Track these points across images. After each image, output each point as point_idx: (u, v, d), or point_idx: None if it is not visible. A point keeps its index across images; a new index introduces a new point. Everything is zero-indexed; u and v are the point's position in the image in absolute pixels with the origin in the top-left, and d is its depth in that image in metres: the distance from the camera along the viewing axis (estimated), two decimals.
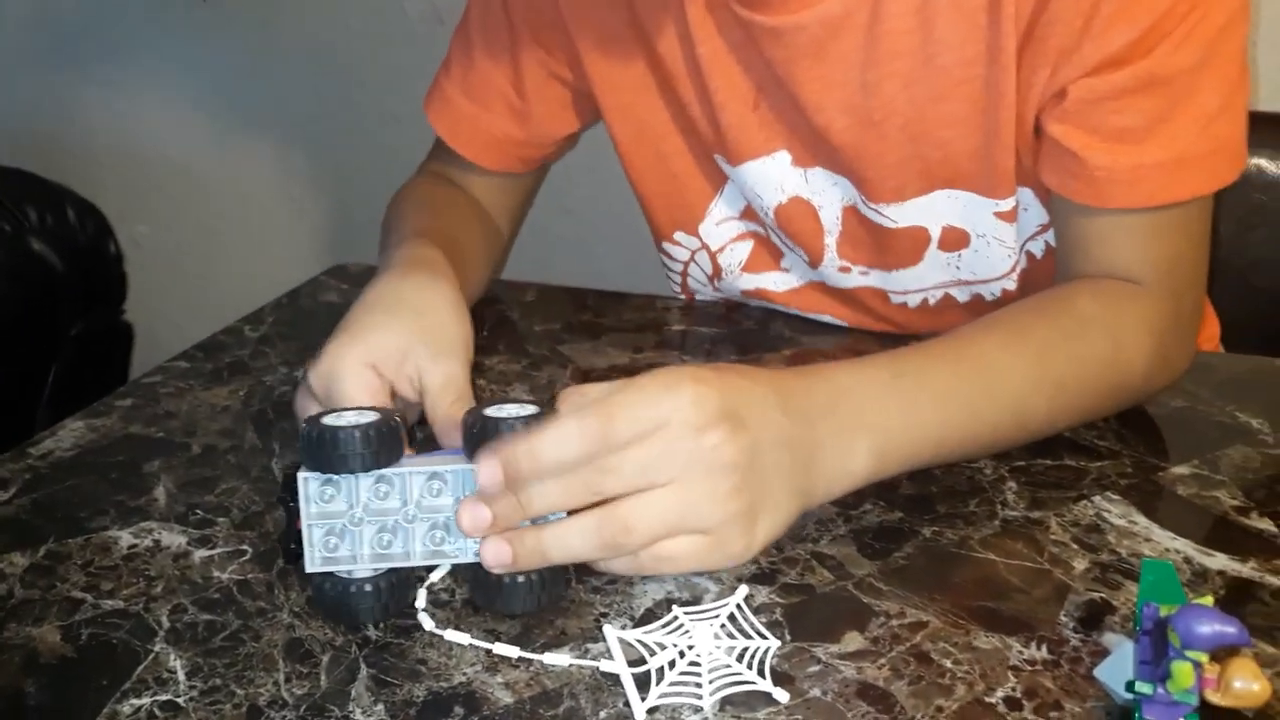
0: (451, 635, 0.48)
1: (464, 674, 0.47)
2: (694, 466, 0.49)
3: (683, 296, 0.90)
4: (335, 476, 0.48)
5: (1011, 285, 0.77)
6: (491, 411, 0.50)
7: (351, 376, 0.57)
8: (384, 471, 0.49)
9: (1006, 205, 0.72)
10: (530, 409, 0.50)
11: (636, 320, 0.83)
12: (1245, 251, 1.05)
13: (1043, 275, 0.76)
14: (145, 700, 0.45)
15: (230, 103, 1.60)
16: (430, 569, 0.52)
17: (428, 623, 0.49)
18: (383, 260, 0.71)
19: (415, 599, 0.51)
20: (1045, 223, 0.74)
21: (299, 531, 0.49)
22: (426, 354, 0.59)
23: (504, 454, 0.48)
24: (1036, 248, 0.76)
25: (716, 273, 0.86)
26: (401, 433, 0.50)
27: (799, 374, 0.56)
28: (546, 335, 0.80)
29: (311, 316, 0.85)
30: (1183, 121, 0.63)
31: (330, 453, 0.48)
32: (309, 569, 0.49)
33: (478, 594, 0.50)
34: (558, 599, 0.50)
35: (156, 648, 0.48)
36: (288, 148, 1.60)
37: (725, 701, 0.45)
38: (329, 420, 0.49)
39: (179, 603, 0.51)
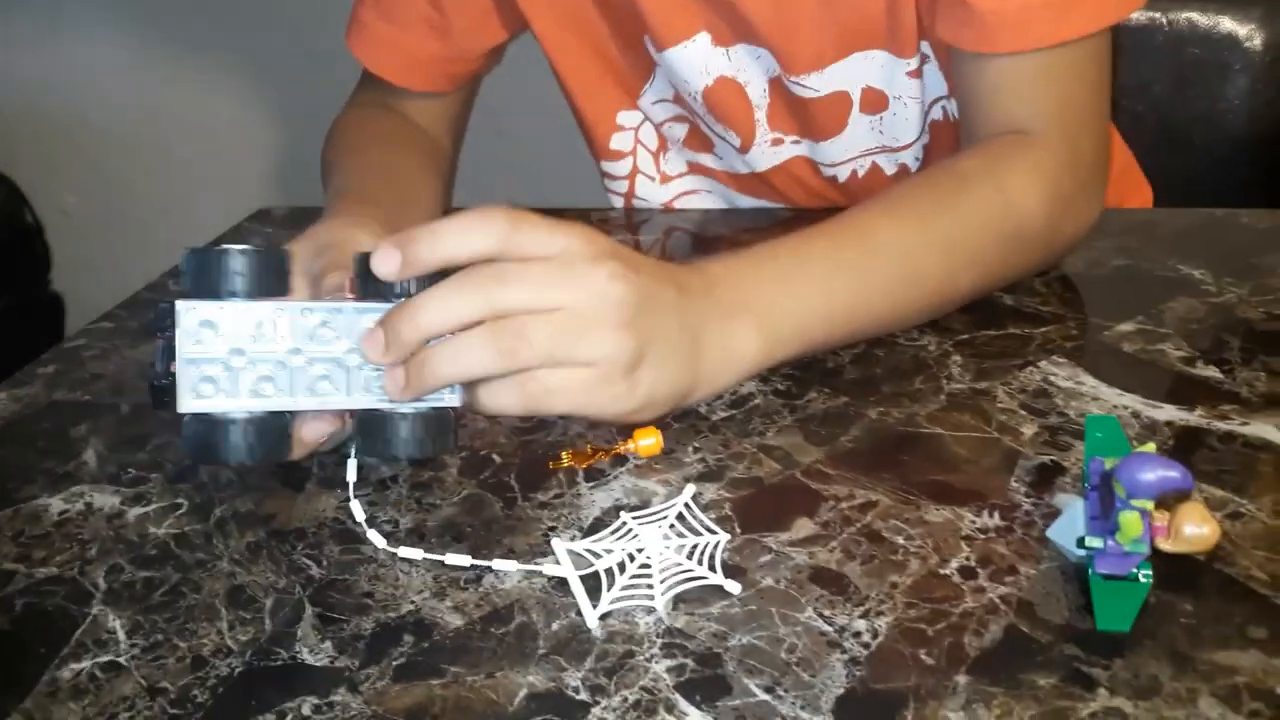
0: (405, 552, 0.48)
1: (411, 602, 0.46)
2: (590, 293, 0.48)
3: (622, 207, 0.89)
4: (215, 313, 0.46)
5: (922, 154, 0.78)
6: (210, 249, 0.48)
7: (306, 242, 0.57)
8: (266, 305, 0.47)
9: (914, 63, 0.73)
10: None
11: None
12: (1183, 108, 1.04)
13: (947, 150, 0.76)
14: (85, 664, 0.44)
15: (146, 60, 1.54)
16: (340, 470, 0.51)
17: (379, 541, 0.48)
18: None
19: (353, 513, 0.50)
20: (944, 93, 0.75)
21: (171, 373, 0.47)
22: (373, 237, 0.57)
23: (401, 239, 0.47)
24: (936, 114, 0.77)
25: (662, 144, 0.86)
26: (286, 271, 0.48)
27: (682, 265, 0.56)
28: None
29: None
30: None
31: (211, 273, 0.46)
32: (180, 409, 0.47)
33: (364, 443, 0.49)
34: (446, 445, 0.49)
35: (94, 610, 0.47)
36: (212, 101, 1.55)
37: (678, 599, 0.44)
38: (211, 247, 0.47)
39: (115, 563, 0.50)
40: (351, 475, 0.51)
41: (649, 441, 0.52)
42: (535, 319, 0.47)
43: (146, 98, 1.57)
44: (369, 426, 0.49)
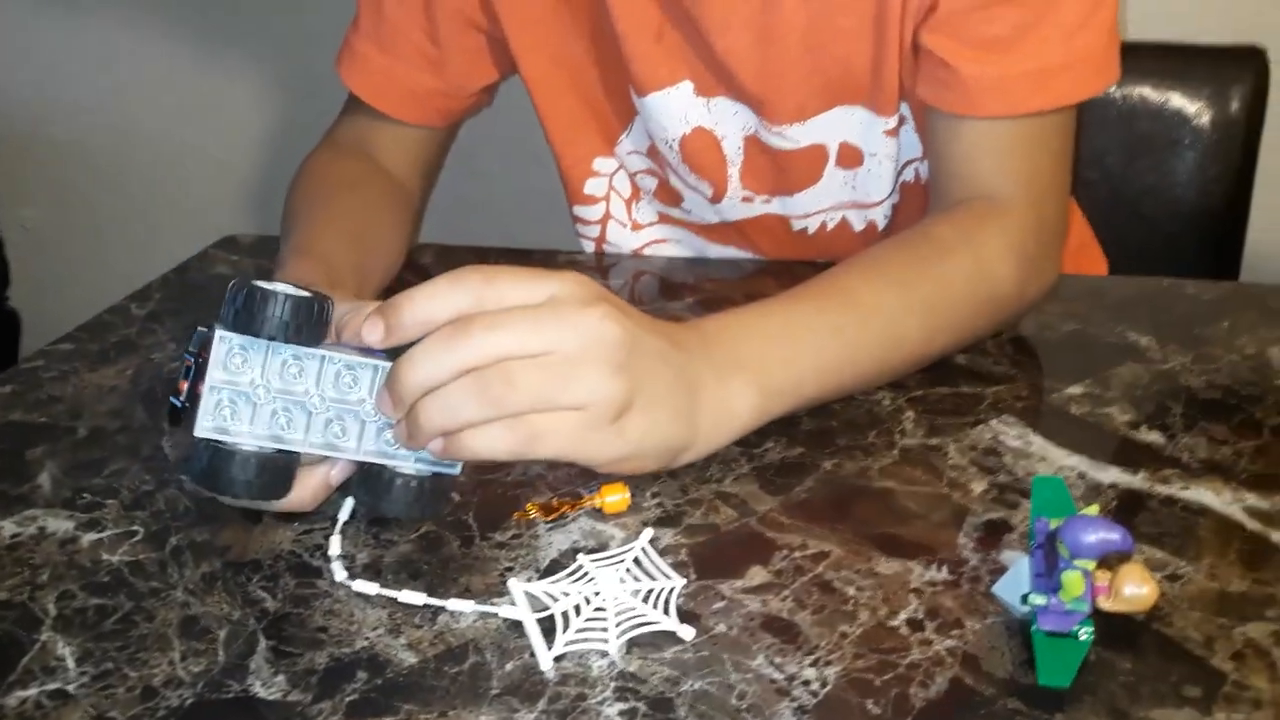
0: (359, 586, 0.48)
1: (366, 638, 0.46)
2: (579, 334, 0.48)
3: (590, 244, 0.90)
4: (250, 345, 0.47)
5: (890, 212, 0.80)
6: (264, 284, 0.48)
7: None
8: (300, 350, 0.48)
9: (893, 123, 0.75)
10: (305, 292, 0.48)
11: None
12: (1134, 180, 1.07)
13: (915, 210, 0.78)
14: (32, 691, 0.44)
15: (110, 76, 1.54)
16: (337, 512, 0.52)
17: (339, 573, 0.49)
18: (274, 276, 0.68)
19: (329, 548, 0.50)
20: (918, 155, 0.77)
21: (193, 395, 0.47)
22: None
23: (384, 308, 0.48)
24: (908, 175, 0.79)
25: (635, 193, 0.87)
26: (329, 319, 0.49)
27: (669, 321, 0.56)
28: None
29: (201, 290, 0.82)
30: (1046, 31, 0.66)
31: (253, 313, 0.46)
32: (197, 433, 0.47)
33: (361, 494, 0.50)
34: (436, 511, 0.51)
35: (43, 637, 0.47)
36: (180, 123, 1.55)
37: (632, 644, 0.45)
38: (261, 284, 0.47)
39: (66, 589, 0.49)
40: (344, 515, 0.52)
41: (616, 498, 0.52)
42: (522, 364, 0.47)
43: (113, 115, 1.56)
44: (369, 480, 0.50)
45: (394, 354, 0.49)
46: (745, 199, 0.81)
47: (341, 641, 0.46)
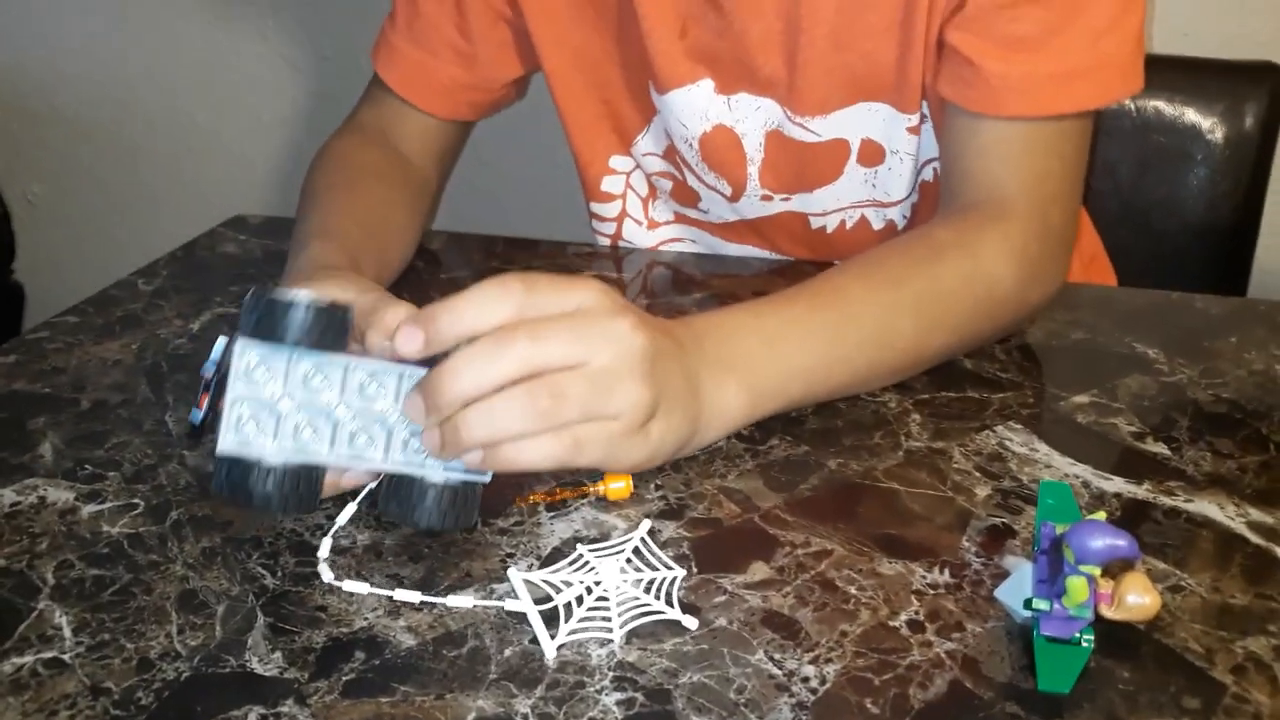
0: (350, 585, 0.47)
1: (365, 619, 0.46)
2: (616, 345, 0.48)
3: (606, 241, 0.90)
4: (271, 356, 0.46)
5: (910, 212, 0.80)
6: (278, 295, 0.47)
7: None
8: (324, 357, 0.47)
9: (915, 120, 0.75)
10: (324, 299, 0.47)
11: (546, 267, 0.82)
12: (1145, 193, 1.07)
13: (934, 210, 0.78)
14: (28, 658, 0.43)
15: (121, 52, 1.54)
16: (339, 510, 0.51)
17: (326, 574, 0.48)
18: (291, 254, 0.68)
19: (319, 548, 0.49)
20: (937, 154, 0.77)
21: (214, 409, 0.47)
22: (358, 292, 0.56)
23: (423, 318, 0.47)
24: (928, 175, 0.79)
25: (653, 193, 0.88)
26: (350, 327, 0.48)
27: (661, 323, 0.55)
28: (453, 284, 0.79)
29: (208, 269, 0.82)
30: (1073, 34, 0.66)
31: (275, 319, 0.45)
32: (221, 448, 0.46)
33: (391, 506, 0.49)
34: (469, 521, 0.49)
35: (40, 605, 0.46)
36: (188, 100, 1.54)
37: (631, 634, 0.45)
38: (279, 293, 0.47)
39: (65, 559, 0.49)
40: (342, 519, 0.51)
41: (619, 485, 0.52)
42: (570, 376, 0.47)
43: (122, 90, 1.56)
44: (398, 490, 0.49)
45: (422, 361, 0.48)
46: (764, 197, 0.81)
47: (340, 621, 0.45)
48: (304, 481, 0.47)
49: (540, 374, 0.47)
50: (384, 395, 0.48)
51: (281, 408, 0.47)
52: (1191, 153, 1.05)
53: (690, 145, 0.80)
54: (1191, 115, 1.05)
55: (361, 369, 0.48)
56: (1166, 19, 1.18)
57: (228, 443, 0.46)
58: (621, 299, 0.50)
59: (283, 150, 1.50)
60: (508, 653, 0.44)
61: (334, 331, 0.47)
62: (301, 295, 0.47)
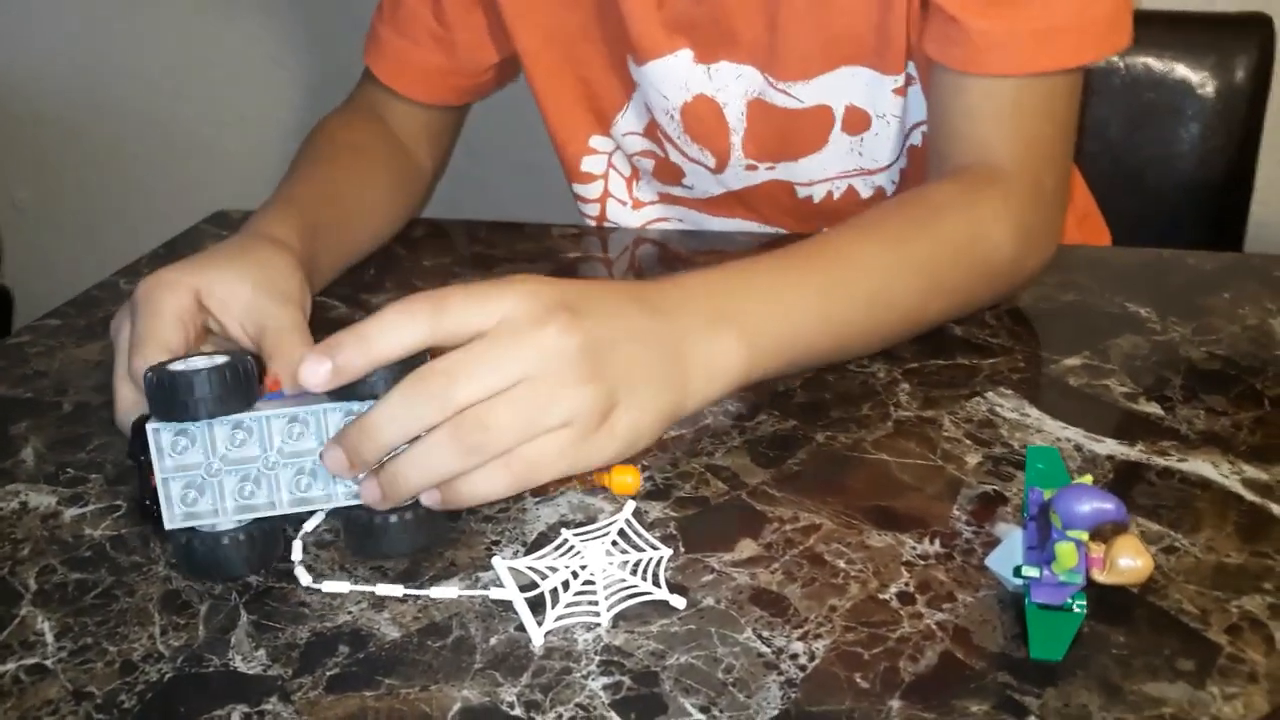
0: (329, 586, 0.46)
1: (349, 612, 0.45)
2: (542, 355, 0.46)
3: (591, 223, 0.89)
4: (187, 430, 0.45)
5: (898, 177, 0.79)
6: (178, 365, 0.46)
7: (170, 295, 0.55)
8: (240, 417, 0.46)
9: (900, 81, 0.74)
10: (221, 358, 0.46)
11: (530, 250, 0.81)
12: (1137, 150, 1.06)
13: (922, 176, 0.77)
14: (10, 665, 0.43)
15: (103, 54, 1.53)
16: (304, 519, 0.50)
17: (304, 577, 0.47)
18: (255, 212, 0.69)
19: (291, 552, 0.48)
20: (925, 118, 0.76)
21: (154, 488, 0.46)
22: (259, 298, 0.57)
23: (329, 347, 0.45)
24: (915, 139, 0.78)
25: (635, 173, 0.87)
26: (254, 376, 0.47)
27: (651, 281, 0.54)
28: (437, 270, 0.78)
29: None
30: None
31: (179, 399, 0.44)
32: (168, 525, 0.46)
33: (351, 541, 0.48)
34: (441, 534, 0.49)
35: (23, 611, 0.46)
36: (172, 101, 1.53)
37: (619, 617, 0.44)
38: (176, 365, 0.46)
39: (47, 564, 0.49)
40: (310, 524, 0.50)
41: (626, 479, 0.51)
42: (493, 405, 0.45)
43: (107, 95, 1.55)
44: (357, 527, 0.48)
45: (335, 391, 0.46)
46: (749, 166, 0.81)
47: (323, 616, 0.45)
48: (263, 537, 0.47)
49: (465, 409, 0.45)
50: (309, 435, 0.47)
51: (214, 475, 0.46)
52: (1182, 109, 1.03)
53: (671, 117, 0.80)
54: (1181, 70, 1.03)
55: (281, 416, 0.46)
56: None
57: (174, 519, 0.46)
58: (551, 293, 0.47)
59: (269, 146, 1.49)
60: (493, 641, 0.43)
61: (240, 388, 0.45)
62: (197, 362, 0.45)
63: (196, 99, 1.52)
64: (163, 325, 0.54)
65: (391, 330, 0.45)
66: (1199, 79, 1.03)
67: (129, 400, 0.54)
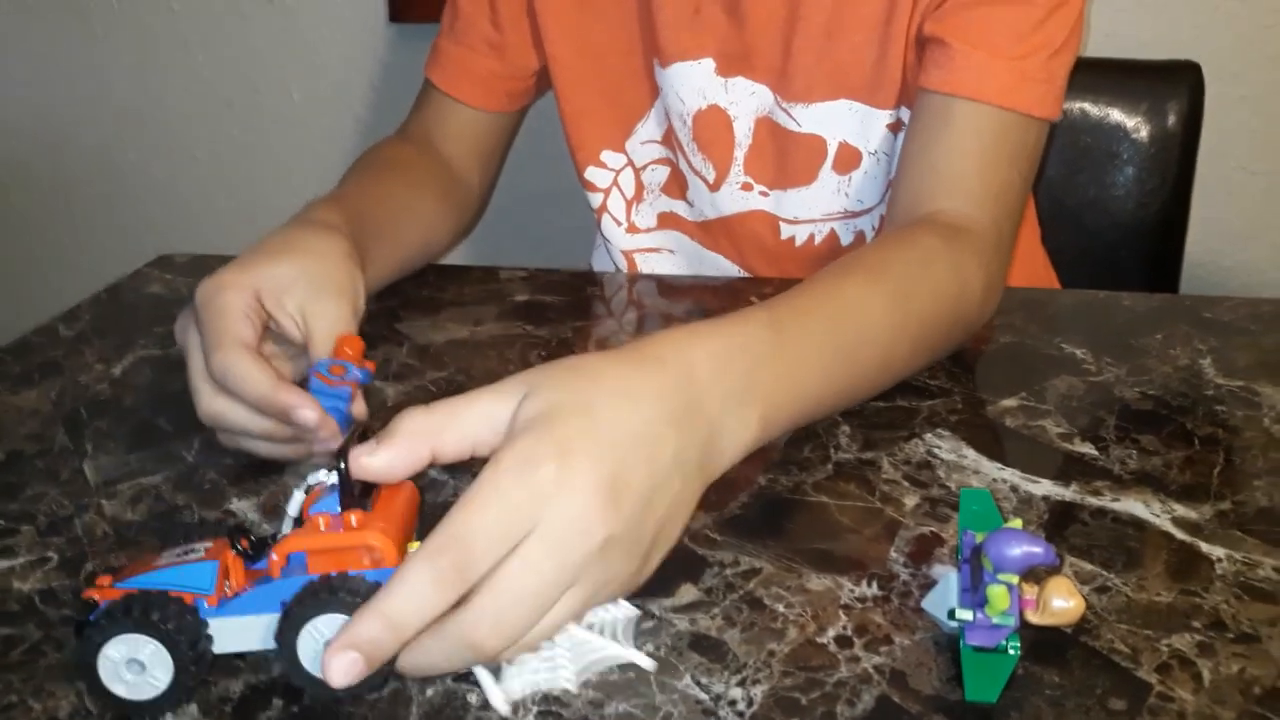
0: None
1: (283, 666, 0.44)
2: (579, 565, 0.41)
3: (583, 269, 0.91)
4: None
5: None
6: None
7: (234, 295, 0.57)
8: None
9: (893, 117, 0.79)
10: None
11: (477, 293, 0.81)
12: (1075, 193, 1.09)
13: None
14: None
15: (53, 93, 1.51)
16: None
17: None
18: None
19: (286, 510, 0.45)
20: None
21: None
22: (311, 292, 0.59)
23: (350, 640, 0.39)
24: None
25: (639, 194, 0.91)
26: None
27: (673, 347, 0.48)
28: (383, 313, 0.78)
29: (134, 310, 0.80)
30: (1035, 42, 0.70)
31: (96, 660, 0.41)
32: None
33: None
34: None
35: None
36: (118, 141, 1.52)
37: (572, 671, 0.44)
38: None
39: None
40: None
41: None
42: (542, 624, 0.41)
43: (49, 133, 1.53)
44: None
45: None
46: (744, 185, 0.84)
47: (259, 669, 0.44)
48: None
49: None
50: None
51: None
52: (1118, 152, 1.06)
53: (684, 122, 0.84)
54: (1116, 115, 1.06)
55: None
56: (1090, 20, 1.19)
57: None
58: (583, 480, 0.41)
59: (217, 187, 1.49)
60: (430, 693, 0.43)
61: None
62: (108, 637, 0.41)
63: (143, 139, 1.51)
64: (234, 323, 0.56)
65: (414, 597, 0.39)
66: (1133, 123, 1.06)
67: (208, 395, 0.56)
